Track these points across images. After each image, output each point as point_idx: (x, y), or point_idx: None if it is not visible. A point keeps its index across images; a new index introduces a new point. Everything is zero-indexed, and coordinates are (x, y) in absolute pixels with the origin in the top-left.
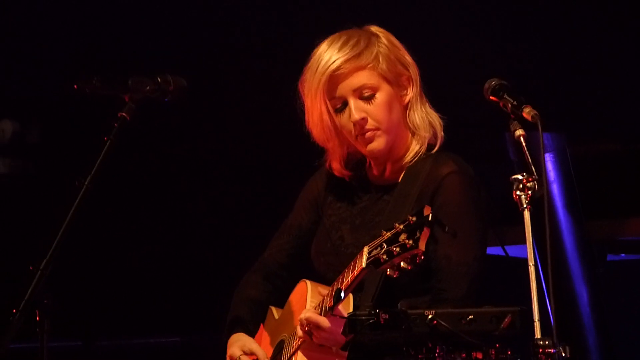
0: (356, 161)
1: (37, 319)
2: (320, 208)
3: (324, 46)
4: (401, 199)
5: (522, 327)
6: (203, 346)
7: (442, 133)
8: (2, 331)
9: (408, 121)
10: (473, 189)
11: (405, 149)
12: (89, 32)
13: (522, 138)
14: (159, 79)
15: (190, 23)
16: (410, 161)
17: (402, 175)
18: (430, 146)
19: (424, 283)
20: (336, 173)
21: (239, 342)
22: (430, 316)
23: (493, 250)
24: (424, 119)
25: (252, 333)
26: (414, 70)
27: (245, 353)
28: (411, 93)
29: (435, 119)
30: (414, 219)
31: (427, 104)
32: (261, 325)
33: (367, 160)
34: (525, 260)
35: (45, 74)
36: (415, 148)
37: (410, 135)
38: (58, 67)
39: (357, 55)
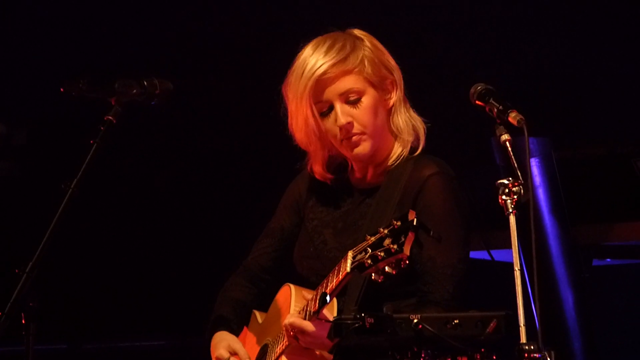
0: (337, 164)
1: (23, 322)
2: (302, 211)
3: (308, 50)
4: (383, 202)
5: (507, 332)
6: (189, 349)
7: (424, 137)
8: None
9: (392, 125)
10: (455, 190)
11: (388, 153)
12: (76, 34)
13: (507, 143)
14: (145, 83)
15: (176, 26)
16: (392, 164)
17: (384, 179)
18: (412, 150)
19: (408, 286)
20: (317, 176)
21: (223, 342)
22: (415, 320)
23: (479, 255)
24: (407, 122)
25: (235, 333)
26: (397, 74)
27: (230, 353)
28: (395, 97)
29: (419, 122)
30: (399, 223)
31: (410, 108)
32: (245, 328)
33: (349, 164)
34: (511, 265)
35: (33, 76)
36: (397, 151)
37: (393, 139)
38: (45, 70)
39: (344, 60)
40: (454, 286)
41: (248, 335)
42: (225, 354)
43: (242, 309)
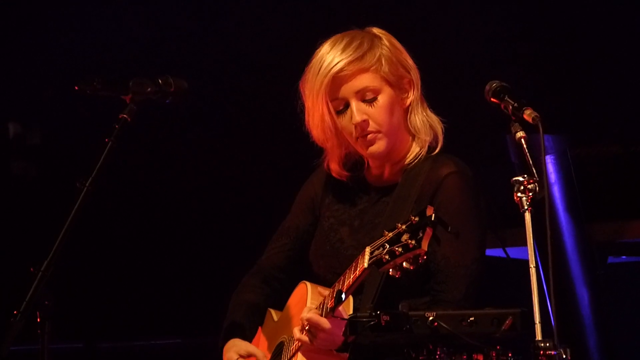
0: (354, 162)
1: (38, 320)
2: (317, 210)
3: (326, 47)
4: (400, 200)
5: (523, 329)
6: (205, 348)
7: (442, 136)
8: (3, 333)
9: (409, 124)
10: (472, 189)
11: (405, 152)
12: (90, 33)
13: (523, 140)
14: (160, 81)
15: (190, 24)
16: (410, 163)
17: (401, 177)
18: (430, 149)
19: (424, 284)
20: (334, 174)
21: (235, 347)
22: (431, 318)
23: (494, 252)
24: (425, 122)
25: (249, 339)
26: (415, 74)
27: (242, 356)
28: (412, 96)
29: (436, 122)
30: (417, 219)
31: (427, 108)
32: (259, 328)
33: (366, 162)
34: (526, 262)
35: (47, 75)
36: (415, 150)
37: (410, 138)
38: (59, 69)
39: (361, 57)
40: (467, 287)
41: (263, 334)
42: (235, 356)
43: (256, 312)
